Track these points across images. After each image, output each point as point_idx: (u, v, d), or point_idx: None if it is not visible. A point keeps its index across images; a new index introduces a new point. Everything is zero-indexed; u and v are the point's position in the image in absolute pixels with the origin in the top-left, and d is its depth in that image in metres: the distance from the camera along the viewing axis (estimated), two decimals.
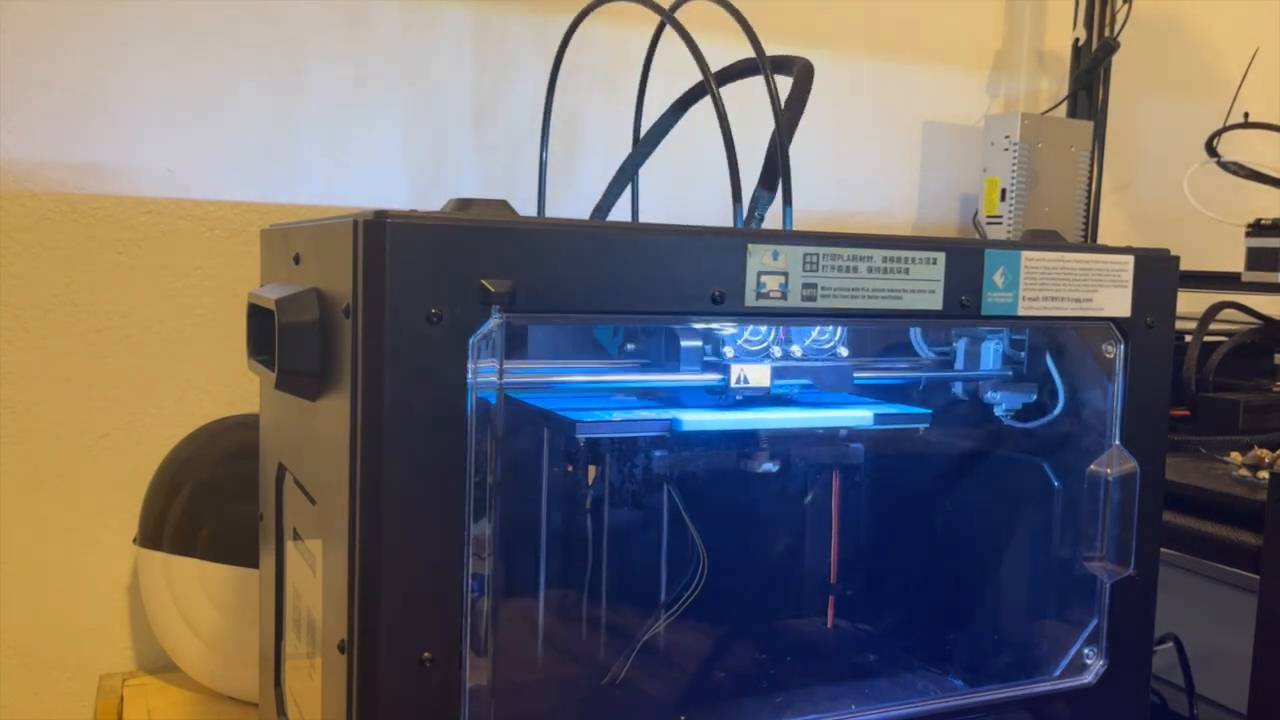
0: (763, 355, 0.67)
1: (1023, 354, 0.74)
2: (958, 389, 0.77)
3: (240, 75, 1.02)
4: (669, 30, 0.73)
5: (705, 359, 0.66)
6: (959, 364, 0.76)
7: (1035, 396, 0.74)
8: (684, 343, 0.65)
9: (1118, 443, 0.69)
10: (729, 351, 0.66)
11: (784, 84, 0.74)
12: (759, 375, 0.66)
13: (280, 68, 1.04)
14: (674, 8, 0.78)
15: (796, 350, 0.69)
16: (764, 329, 0.67)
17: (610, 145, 1.17)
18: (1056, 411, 0.73)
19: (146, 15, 0.99)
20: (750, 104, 0.74)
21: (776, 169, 0.70)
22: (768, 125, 0.70)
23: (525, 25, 1.13)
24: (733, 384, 0.66)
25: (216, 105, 1.02)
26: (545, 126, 0.89)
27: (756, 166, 0.72)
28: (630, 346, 0.70)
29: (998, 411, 0.75)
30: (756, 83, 0.79)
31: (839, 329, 0.71)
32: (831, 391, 0.71)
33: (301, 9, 1.04)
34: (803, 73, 0.74)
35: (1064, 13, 1.44)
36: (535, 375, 0.69)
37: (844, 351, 0.71)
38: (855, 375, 0.71)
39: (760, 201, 0.71)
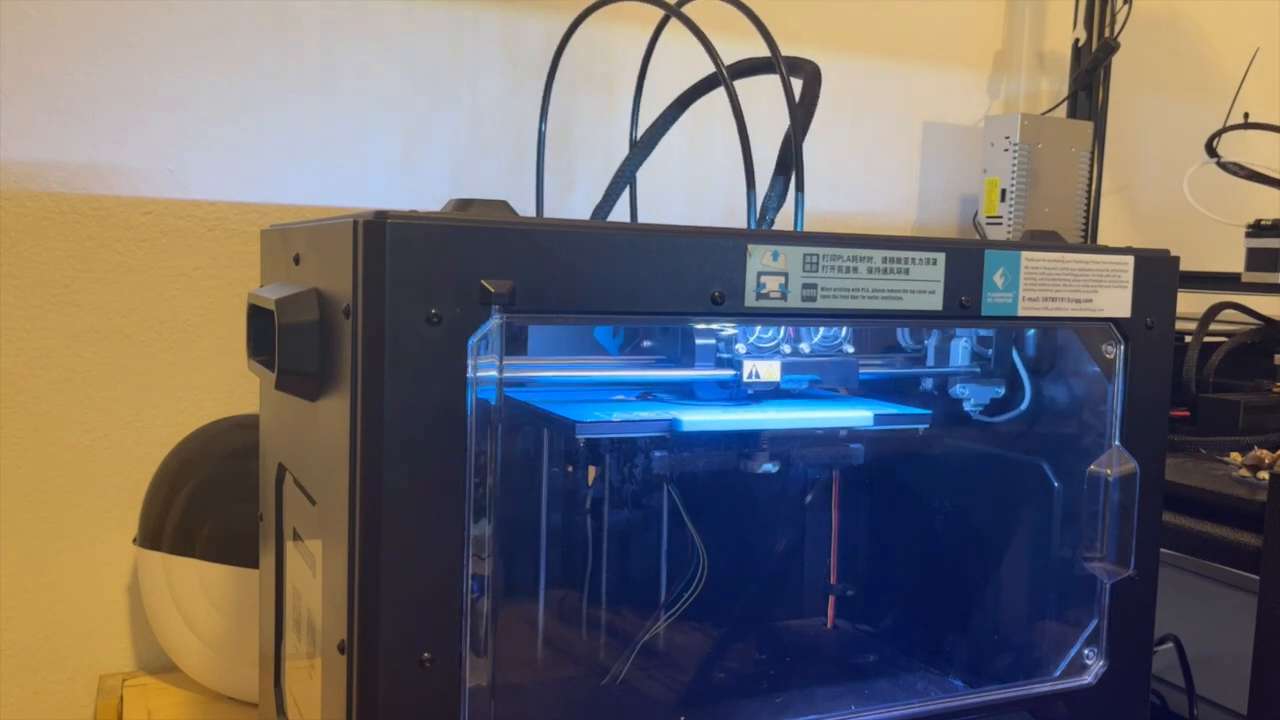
0: (773, 352, 0.69)
1: (990, 350, 0.76)
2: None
3: (241, 75, 1.02)
4: (665, 33, 0.73)
5: (719, 355, 0.69)
6: (929, 360, 0.78)
7: (1003, 391, 0.76)
8: (699, 340, 0.68)
9: (1118, 443, 0.69)
10: (741, 348, 0.69)
11: (794, 86, 0.74)
12: (769, 370, 0.69)
13: (281, 67, 1.04)
14: (681, 3, 0.78)
15: (805, 348, 0.71)
16: (773, 329, 0.69)
17: (609, 147, 1.17)
18: (1023, 406, 0.75)
19: (147, 15, 0.99)
20: (749, 104, 0.74)
21: (790, 163, 0.70)
22: (766, 127, 0.70)
23: (531, 25, 1.13)
24: (745, 378, 0.68)
25: (217, 105, 1.02)
26: (542, 127, 0.89)
27: (759, 166, 0.72)
28: (647, 344, 0.72)
29: (966, 407, 0.76)
30: (756, 85, 0.79)
31: (846, 329, 0.72)
32: (838, 386, 0.73)
33: (303, 9, 1.04)
34: (812, 75, 0.74)
35: (1064, 13, 1.44)
36: (544, 371, 0.69)
37: (850, 349, 0.73)
38: (861, 370, 0.73)
39: (775, 189, 0.71)
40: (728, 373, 0.68)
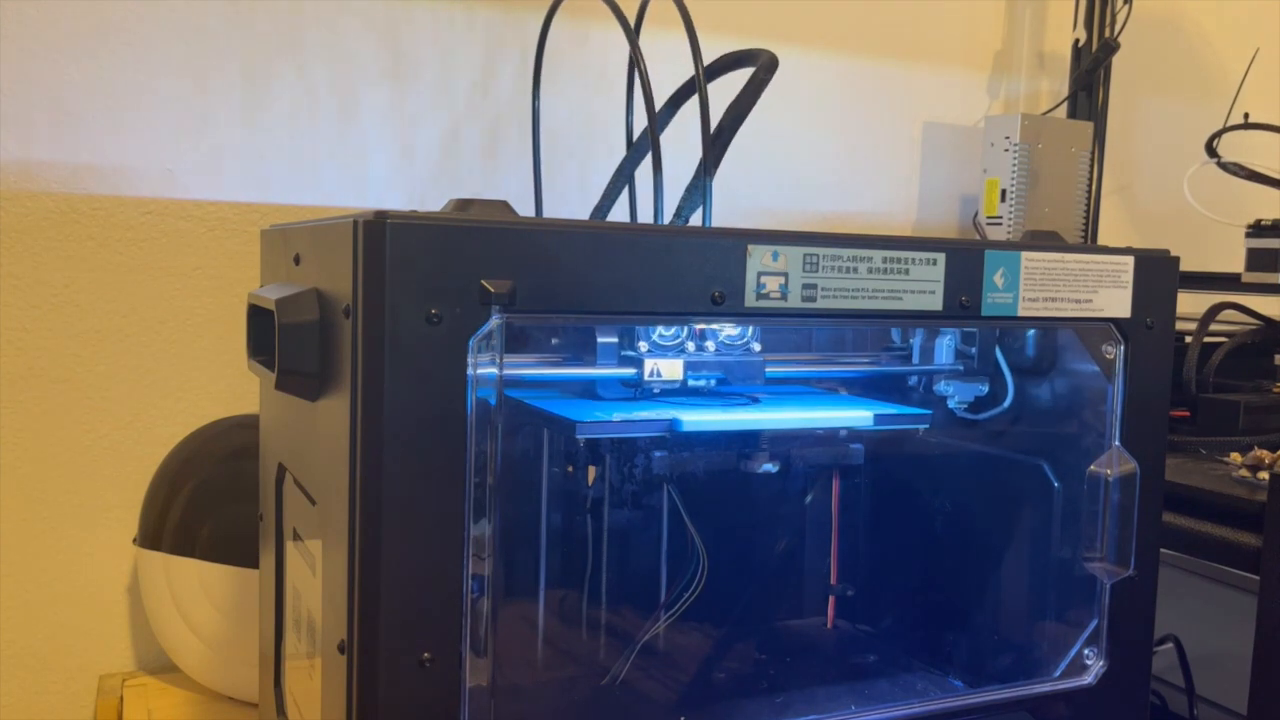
0: (676, 350, 0.69)
1: (973, 349, 0.76)
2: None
3: (241, 75, 1.02)
4: (657, 29, 0.73)
5: (621, 353, 0.69)
6: (915, 358, 0.78)
7: (986, 388, 0.76)
8: (600, 339, 0.68)
9: (1118, 443, 0.69)
10: (644, 346, 0.68)
11: (779, 85, 0.74)
12: (671, 369, 0.68)
13: (281, 67, 1.04)
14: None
15: (710, 346, 0.71)
16: (675, 328, 0.69)
17: (608, 147, 1.17)
18: (1006, 404, 0.75)
19: (147, 15, 0.99)
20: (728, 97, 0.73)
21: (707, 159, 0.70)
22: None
23: (531, 25, 1.13)
24: (646, 377, 0.68)
25: (217, 105, 1.02)
26: (535, 126, 0.89)
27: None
28: (554, 341, 0.72)
29: (951, 404, 0.77)
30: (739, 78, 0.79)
31: (750, 328, 0.71)
32: (743, 385, 0.73)
33: (303, 8, 1.04)
34: (764, 66, 0.74)
35: (1064, 13, 1.44)
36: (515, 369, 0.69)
37: (757, 347, 0.72)
38: (767, 370, 0.72)
39: (694, 189, 0.71)
40: (629, 370, 0.68)
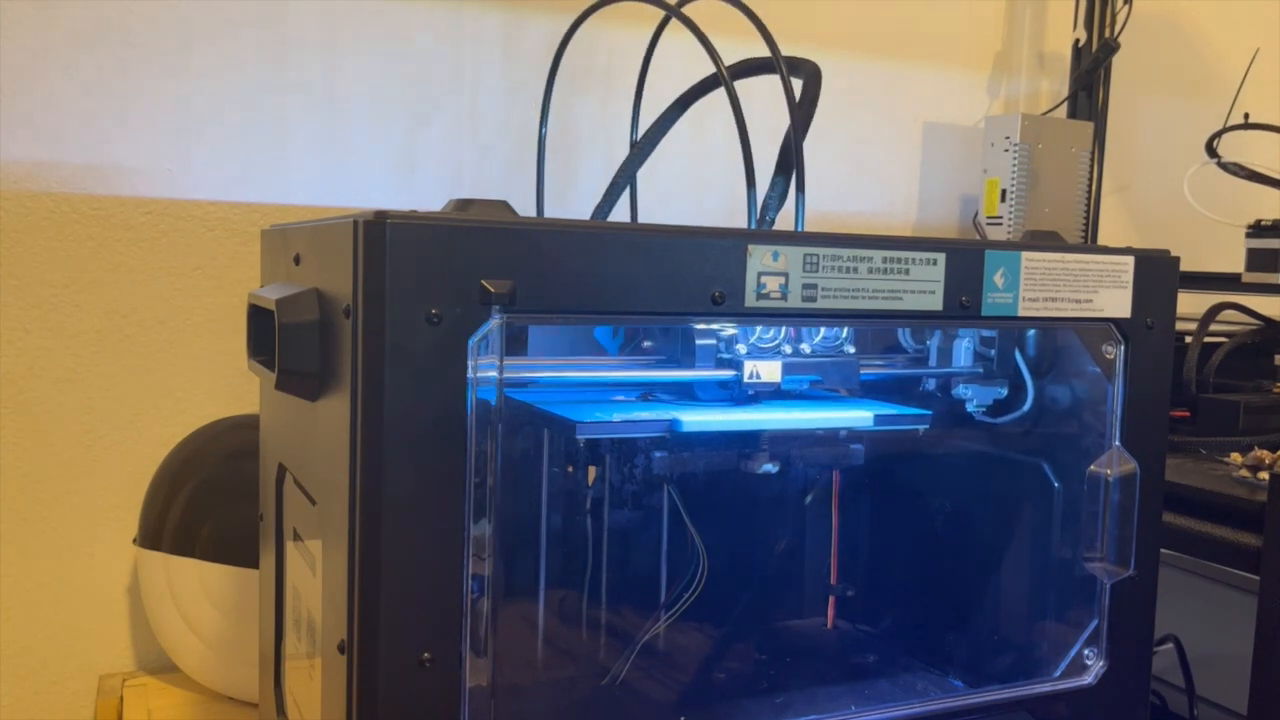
0: (774, 352, 0.69)
1: (992, 351, 0.76)
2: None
3: (241, 75, 1.02)
4: (666, 33, 0.73)
5: (719, 355, 0.69)
6: (932, 360, 0.78)
7: (1005, 391, 0.76)
8: (699, 341, 0.68)
9: (1118, 443, 0.69)
10: (742, 349, 0.69)
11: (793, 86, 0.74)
12: (770, 370, 0.69)
13: (281, 68, 1.04)
14: (682, 3, 0.78)
15: (806, 348, 0.71)
16: (774, 329, 0.69)
17: (609, 147, 1.18)
18: (1025, 407, 0.75)
19: (147, 15, 0.99)
20: (748, 105, 0.74)
21: (791, 163, 0.70)
22: (766, 126, 0.70)
23: (532, 24, 1.13)
24: (746, 379, 0.68)
25: (217, 105, 1.02)
26: (542, 127, 0.89)
27: (757, 166, 0.72)
28: (647, 344, 0.72)
29: (969, 407, 0.76)
30: (754, 85, 0.79)
31: (847, 329, 0.72)
32: (838, 386, 0.73)
33: (303, 8, 1.04)
34: (812, 75, 0.74)
35: (1064, 13, 1.44)
36: (545, 371, 0.69)
37: (851, 349, 0.73)
38: (862, 370, 0.73)
39: (775, 189, 0.71)
40: (728, 373, 0.68)
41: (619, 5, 0.83)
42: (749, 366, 0.68)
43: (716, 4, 0.75)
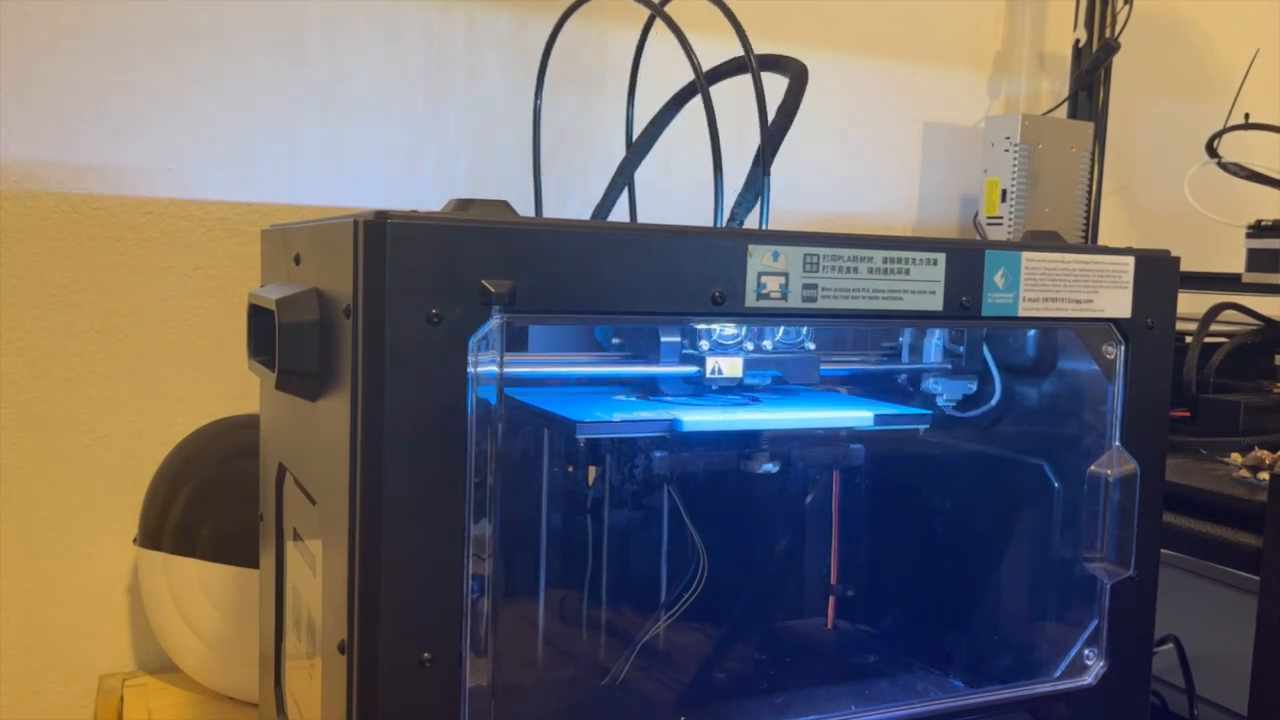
0: (736, 349, 0.70)
1: (960, 347, 0.77)
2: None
3: (241, 75, 1.02)
4: (662, 31, 0.73)
5: (683, 351, 0.70)
6: (903, 356, 0.79)
7: (975, 386, 0.77)
8: (664, 338, 0.69)
9: (1118, 443, 0.69)
10: (705, 345, 0.69)
11: (779, 82, 0.74)
12: (732, 366, 0.69)
13: (281, 67, 1.04)
14: (664, 2, 0.78)
15: (768, 344, 0.72)
16: (736, 327, 0.70)
17: (609, 147, 1.17)
18: (994, 401, 0.76)
19: (147, 15, 0.99)
20: (743, 102, 0.74)
21: (759, 167, 0.71)
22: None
23: (531, 24, 1.13)
24: (708, 374, 0.69)
25: (217, 105, 1.02)
26: (536, 126, 0.89)
27: (747, 160, 0.72)
28: (616, 341, 0.73)
29: (940, 402, 0.77)
30: (751, 82, 0.79)
31: (806, 328, 0.73)
32: (799, 382, 0.74)
33: (303, 8, 1.04)
34: (797, 74, 0.74)
35: (1064, 14, 1.44)
36: (523, 366, 0.69)
37: (811, 346, 0.73)
38: (825, 366, 0.74)
39: (752, 188, 0.72)
40: (691, 369, 0.69)
41: (619, 5, 0.83)
42: (711, 362, 0.69)
43: (706, 3, 0.75)
